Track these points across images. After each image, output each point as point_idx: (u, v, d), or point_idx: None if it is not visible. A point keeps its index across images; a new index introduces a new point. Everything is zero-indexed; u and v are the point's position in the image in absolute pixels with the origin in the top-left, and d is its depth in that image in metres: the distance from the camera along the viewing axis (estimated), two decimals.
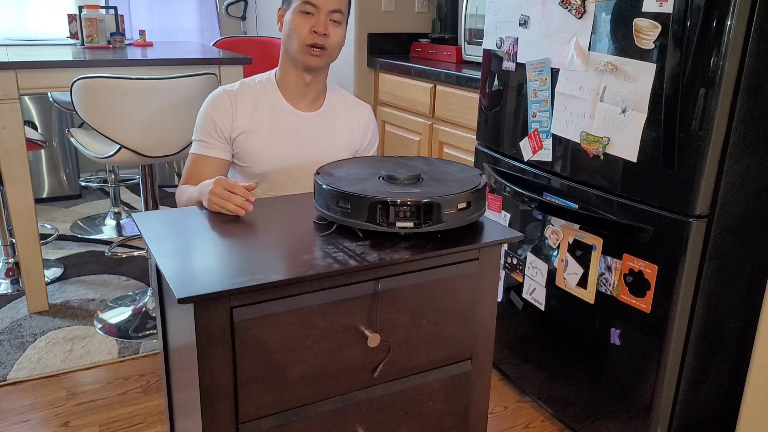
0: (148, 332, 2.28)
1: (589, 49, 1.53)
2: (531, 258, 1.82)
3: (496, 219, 1.95)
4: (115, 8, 2.90)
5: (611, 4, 1.46)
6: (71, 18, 3.01)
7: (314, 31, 1.53)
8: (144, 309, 2.40)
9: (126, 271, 2.79)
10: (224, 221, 1.21)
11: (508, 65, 1.83)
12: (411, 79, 2.72)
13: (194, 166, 1.60)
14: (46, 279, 2.61)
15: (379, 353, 1.10)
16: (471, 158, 2.22)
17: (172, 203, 3.72)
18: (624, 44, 1.44)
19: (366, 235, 1.14)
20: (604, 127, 1.51)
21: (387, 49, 3.13)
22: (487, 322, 1.22)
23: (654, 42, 1.38)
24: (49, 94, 3.10)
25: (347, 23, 1.62)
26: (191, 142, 1.62)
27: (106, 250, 2.90)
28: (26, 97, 3.50)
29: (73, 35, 3.03)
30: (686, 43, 1.32)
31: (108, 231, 3.29)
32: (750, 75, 1.31)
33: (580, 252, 1.64)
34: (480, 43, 2.50)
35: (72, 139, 2.32)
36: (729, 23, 1.26)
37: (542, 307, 1.81)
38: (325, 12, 1.53)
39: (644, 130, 1.42)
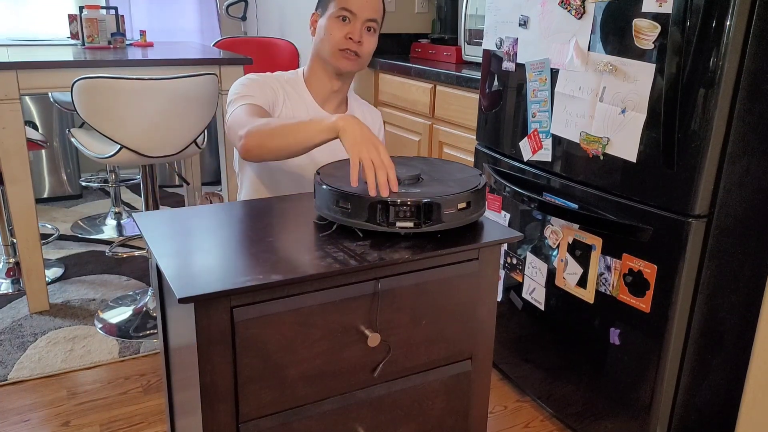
0: (148, 332, 2.28)
1: (588, 50, 1.53)
2: (531, 258, 1.82)
3: (496, 219, 1.95)
4: (116, 8, 2.90)
5: (611, 4, 1.47)
6: (72, 18, 3.02)
7: (349, 38, 1.51)
8: (144, 309, 2.40)
9: (126, 270, 2.79)
10: (224, 221, 1.22)
11: (507, 65, 1.83)
12: (411, 80, 2.72)
13: (252, 111, 1.44)
14: (47, 279, 2.61)
15: (379, 353, 1.11)
16: (471, 158, 2.22)
17: (173, 203, 3.72)
18: (623, 44, 1.44)
19: (366, 235, 1.14)
20: (604, 128, 1.51)
21: (387, 50, 3.13)
22: (487, 322, 1.22)
23: (653, 42, 1.38)
24: (49, 94, 3.11)
25: (379, 32, 1.59)
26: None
27: (107, 250, 2.90)
28: (27, 97, 3.50)
29: (73, 35, 3.04)
30: (686, 44, 1.32)
31: (108, 231, 3.29)
32: (749, 75, 1.31)
33: (579, 252, 1.64)
34: (480, 44, 2.50)
35: (73, 140, 2.32)
36: (729, 23, 1.27)
37: (542, 307, 1.81)
38: (361, 20, 1.51)
39: (644, 130, 1.43)
